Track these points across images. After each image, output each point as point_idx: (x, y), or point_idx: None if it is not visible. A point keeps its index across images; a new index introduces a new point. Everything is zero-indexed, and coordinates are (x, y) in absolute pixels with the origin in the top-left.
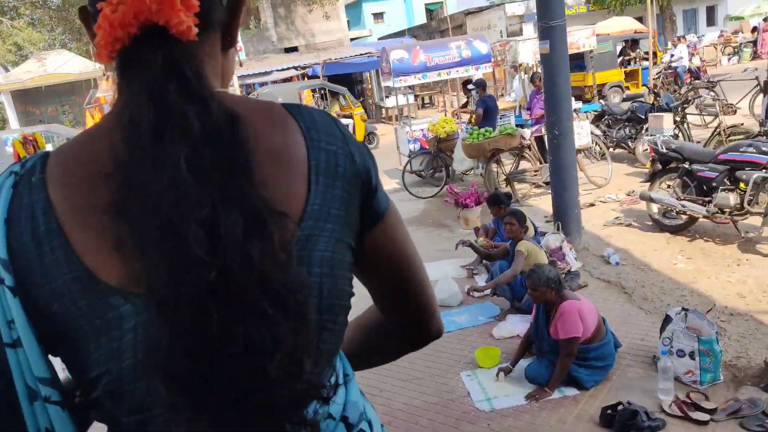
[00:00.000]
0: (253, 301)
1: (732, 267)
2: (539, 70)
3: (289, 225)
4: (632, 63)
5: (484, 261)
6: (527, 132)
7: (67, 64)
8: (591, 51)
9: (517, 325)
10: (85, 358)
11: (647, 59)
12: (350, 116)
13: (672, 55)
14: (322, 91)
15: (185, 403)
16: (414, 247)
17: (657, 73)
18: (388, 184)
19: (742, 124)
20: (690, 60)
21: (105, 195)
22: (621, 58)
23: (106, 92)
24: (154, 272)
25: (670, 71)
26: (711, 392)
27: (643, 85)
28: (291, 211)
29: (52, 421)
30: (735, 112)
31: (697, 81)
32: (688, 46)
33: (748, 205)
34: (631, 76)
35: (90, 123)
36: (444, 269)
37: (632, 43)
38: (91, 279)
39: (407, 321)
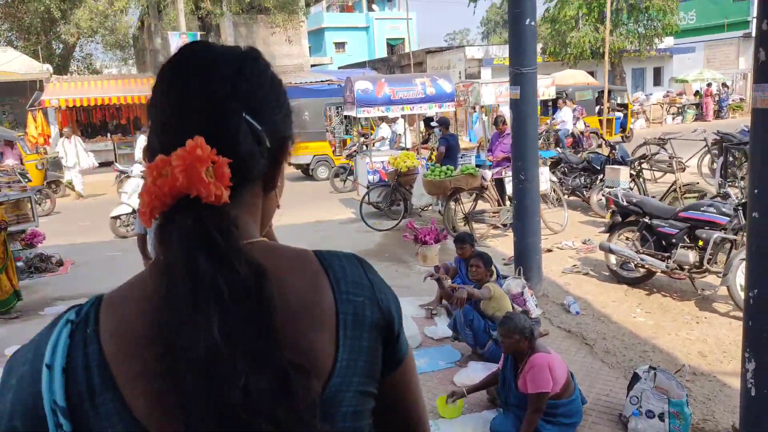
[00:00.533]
0: None
1: (691, 324)
2: (502, 113)
3: (315, 385)
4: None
5: (443, 302)
6: (488, 173)
7: (12, 62)
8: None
9: (479, 374)
10: None
11: (620, 110)
12: None
13: (554, 118)
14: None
15: None
16: (420, 390)
17: (539, 133)
18: (345, 214)
19: (698, 183)
20: (574, 124)
21: (151, 357)
22: (598, 107)
23: (51, 95)
24: (187, 419)
25: (553, 133)
26: None
27: (616, 133)
28: (320, 369)
29: None
30: (684, 169)
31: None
32: (573, 110)
33: (708, 263)
34: (606, 124)
35: (32, 126)
36: (402, 308)
37: (603, 93)
38: (129, 413)
39: None
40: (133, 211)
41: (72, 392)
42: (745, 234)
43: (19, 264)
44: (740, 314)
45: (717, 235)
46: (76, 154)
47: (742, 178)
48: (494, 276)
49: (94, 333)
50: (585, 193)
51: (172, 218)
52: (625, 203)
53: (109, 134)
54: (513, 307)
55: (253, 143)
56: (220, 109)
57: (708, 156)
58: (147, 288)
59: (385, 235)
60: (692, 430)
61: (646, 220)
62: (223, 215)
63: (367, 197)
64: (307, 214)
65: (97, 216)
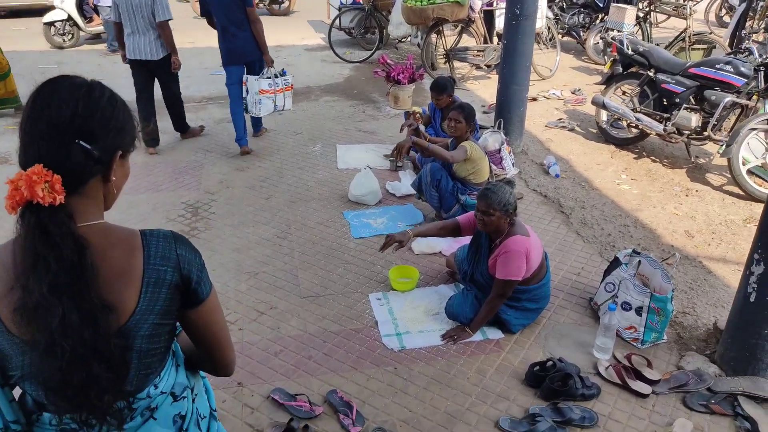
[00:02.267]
0: (85, 362)
1: (680, 197)
2: None
3: (115, 319)
4: None
5: (411, 153)
6: (477, 3)
7: None
8: None
9: (440, 241)
10: (7, 366)
11: None
12: None
13: None
14: None
15: (51, 390)
16: (223, 322)
17: None
18: (313, 38)
19: (710, 33)
20: None
21: (12, 295)
22: None
23: None
24: (33, 339)
25: None
26: (653, 354)
27: None
28: (123, 311)
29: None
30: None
31: None
32: None
33: (711, 130)
34: None
35: None
36: (365, 157)
37: None
38: (7, 331)
39: (207, 363)
40: (69, 18)
41: None
42: (760, 100)
43: None
44: (736, 190)
45: (728, 98)
46: None
47: (767, 30)
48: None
49: None
50: (581, 34)
51: (23, 214)
52: (630, 52)
53: None
54: (491, 170)
55: (84, 159)
56: (57, 137)
57: (717, 2)
58: (10, 253)
59: (356, 68)
60: (670, 324)
61: (651, 73)
62: (57, 211)
63: (338, 21)
64: (269, 37)
65: (33, 22)
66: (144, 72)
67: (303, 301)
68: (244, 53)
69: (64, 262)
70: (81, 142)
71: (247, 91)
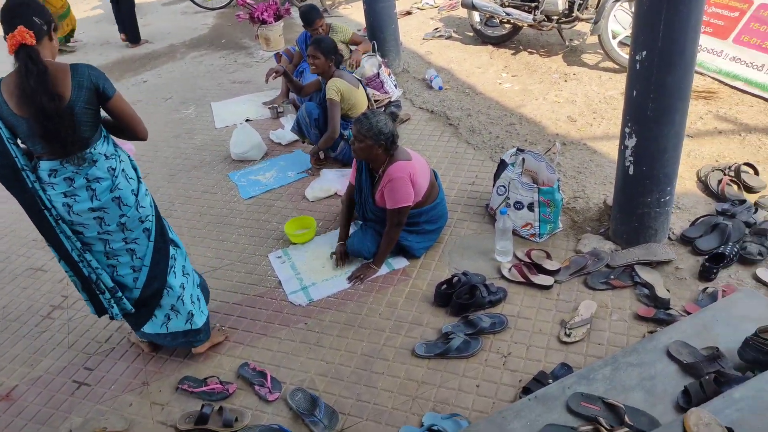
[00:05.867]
0: (53, 122)
1: (559, 84)
2: None
3: (62, 101)
4: None
5: (290, 95)
6: None
7: None
8: None
9: (334, 182)
10: (17, 132)
11: None
12: None
13: None
14: None
15: (44, 143)
16: (131, 110)
17: None
18: None
19: None
20: None
21: (15, 94)
22: None
23: None
24: (27, 112)
25: None
26: (551, 245)
27: None
28: (64, 97)
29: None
30: None
31: None
32: None
33: (578, 10)
34: None
35: None
36: (243, 110)
37: None
38: (13, 113)
39: (129, 133)
40: None
41: None
42: None
43: None
44: (611, 65)
45: None
46: None
47: None
48: (352, 59)
49: None
50: None
51: (17, 52)
52: None
53: None
54: (368, 99)
55: (39, 25)
56: (25, 15)
57: None
58: (12, 76)
59: (221, 15)
60: (563, 211)
61: None
62: (32, 50)
63: None
64: None
65: None
66: None
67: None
68: None
69: (39, 74)
70: (35, 18)
71: None
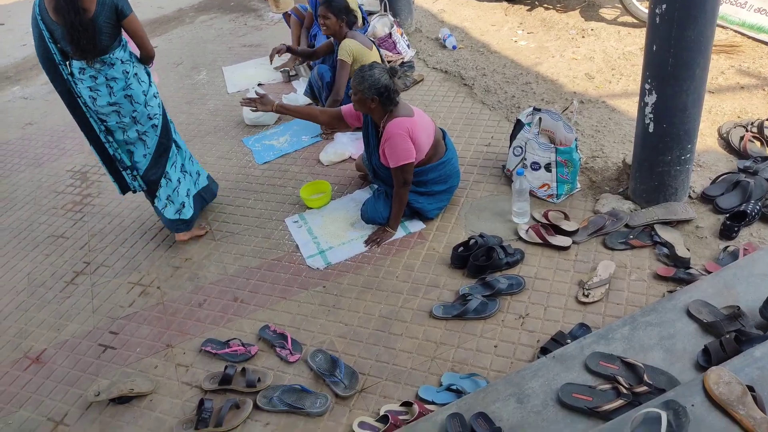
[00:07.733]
0: (74, 29)
1: (577, 40)
2: None
3: (87, 15)
4: None
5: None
6: None
7: None
8: None
9: (348, 146)
10: (55, 37)
11: None
12: None
13: None
14: None
15: (71, 46)
16: (143, 31)
17: None
18: None
19: None
20: None
21: (51, 5)
22: None
23: None
24: (63, 21)
25: None
26: (569, 205)
27: None
28: (89, 11)
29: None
30: None
31: None
32: None
33: None
34: None
35: None
36: (255, 74)
37: None
38: (52, 20)
39: (141, 51)
40: None
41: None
42: None
43: None
44: (630, 19)
45: None
46: None
47: None
48: (360, 22)
49: (38, 5)
50: None
51: None
52: None
53: None
54: (381, 58)
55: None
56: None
57: None
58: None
59: None
60: (581, 171)
61: None
62: None
63: None
64: None
65: None
66: None
67: (218, 243)
68: None
69: (72, 5)
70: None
71: None
